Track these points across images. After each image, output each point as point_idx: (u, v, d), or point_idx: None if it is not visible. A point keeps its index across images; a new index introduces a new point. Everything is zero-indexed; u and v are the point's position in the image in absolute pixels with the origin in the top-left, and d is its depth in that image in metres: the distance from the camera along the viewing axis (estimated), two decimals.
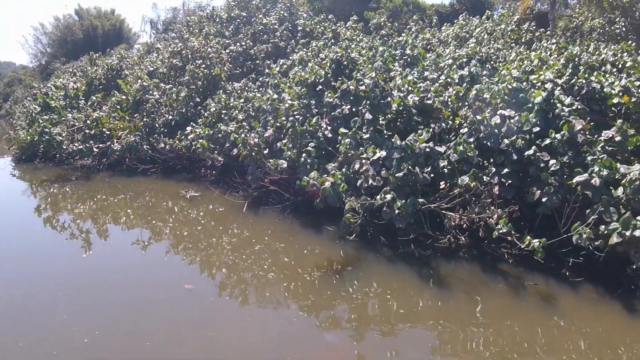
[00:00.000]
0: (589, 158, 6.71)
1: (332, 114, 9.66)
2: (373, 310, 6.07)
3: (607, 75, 8.96)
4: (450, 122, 8.90)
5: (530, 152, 7.02)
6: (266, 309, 6.13)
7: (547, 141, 7.15)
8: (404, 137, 8.24)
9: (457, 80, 9.75)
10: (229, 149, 10.88)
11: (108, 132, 14.43)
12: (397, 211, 7.16)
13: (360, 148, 8.44)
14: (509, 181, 7.18)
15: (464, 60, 12.00)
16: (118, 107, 15.46)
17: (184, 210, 10.53)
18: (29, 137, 16.42)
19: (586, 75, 8.74)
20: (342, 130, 8.91)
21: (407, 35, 14.97)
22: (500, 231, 6.72)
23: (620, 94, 8.19)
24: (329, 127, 9.52)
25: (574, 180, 6.49)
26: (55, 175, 14.57)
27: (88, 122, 14.74)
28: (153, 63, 17.28)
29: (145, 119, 13.90)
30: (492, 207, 7.27)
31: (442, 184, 7.89)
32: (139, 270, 7.64)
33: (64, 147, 14.49)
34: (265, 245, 8.30)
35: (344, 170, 8.22)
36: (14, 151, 18.94)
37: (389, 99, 9.11)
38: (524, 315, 5.88)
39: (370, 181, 7.77)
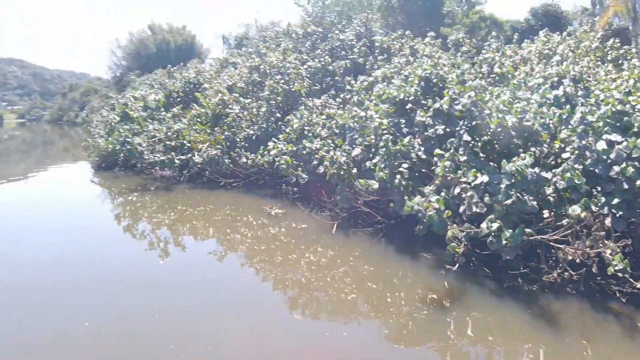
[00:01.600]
0: None
1: (425, 134, 9.26)
2: (481, 353, 5.63)
3: None
4: (549, 146, 8.35)
5: None
6: (352, 338, 5.83)
7: None
8: (500, 161, 7.69)
9: (551, 101, 9.21)
10: (314, 167, 10.70)
11: (188, 145, 14.63)
12: (504, 241, 6.64)
13: (458, 171, 8.01)
14: (620, 212, 6.59)
15: (555, 79, 11.39)
16: (197, 120, 15.69)
17: (266, 226, 10.43)
18: (110, 146, 16.92)
19: None
20: (438, 151, 8.50)
21: (492, 52, 14.42)
22: (616, 268, 6.09)
23: None
24: (422, 148, 9.13)
25: None
26: (135, 184, 14.93)
27: (169, 133, 14.99)
28: (231, 77, 17.48)
29: (226, 133, 13.97)
30: (606, 241, 6.59)
31: (547, 213, 7.30)
32: (214, 281, 7.68)
33: (145, 157, 14.78)
34: (353, 268, 8.03)
35: (442, 194, 7.80)
36: (94, 158, 19.61)
37: (487, 119, 8.63)
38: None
39: (474, 208, 7.30)
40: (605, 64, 13.82)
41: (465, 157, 8.20)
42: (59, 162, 27.63)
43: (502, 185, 7.07)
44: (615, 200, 6.64)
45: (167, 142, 14.88)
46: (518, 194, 6.97)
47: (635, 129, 7.14)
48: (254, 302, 6.85)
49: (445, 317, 6.17)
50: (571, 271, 6.88)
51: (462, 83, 10.14)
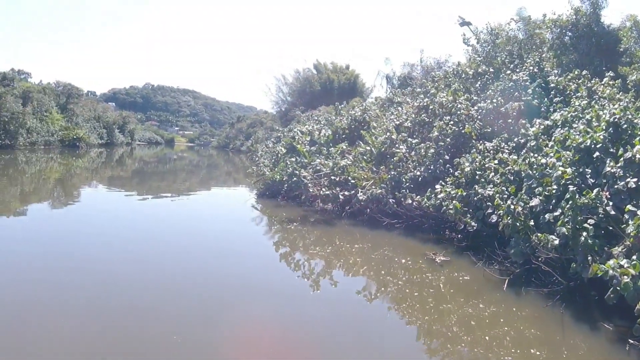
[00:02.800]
0: None
1: (615, 186, 8.26)
2: None
3: None
4: None
5: None
6: None
7: None
8: None
9: None
10: (486, 215, 10.05)
11: (352, 181, 14.74)
12: None
13: None
14: None
15: None
16: (363, 157, 15.81)
17: (425, 272, 10.01)
18: (277, 176, 17.73)
19: None
20: (630, 207, 7.52)
21: None
22: None
23: None
24: (611, 202, 8.14)
25: None
26: (296, 215, 15.38)
27: (335, 169, 15.26)
28: (399, 117, 17.45)
29: (392, 172, 13.84)
30: None
31: None
32: (361, 321, 7.57)
33: (310, 190, 15.16)
34: (517, 330, 7.29)
35: (634, 258, 6.78)
36: (259, 186, 20.75)
37: None
38: None
39: None
40: None
41: None
42: (220, 184, 29.94)
43: None
44: None
45: (332, 177, 15.15)
46: None
47: None
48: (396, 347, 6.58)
49: None
50: None
51: None
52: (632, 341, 6.42)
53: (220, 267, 9.98)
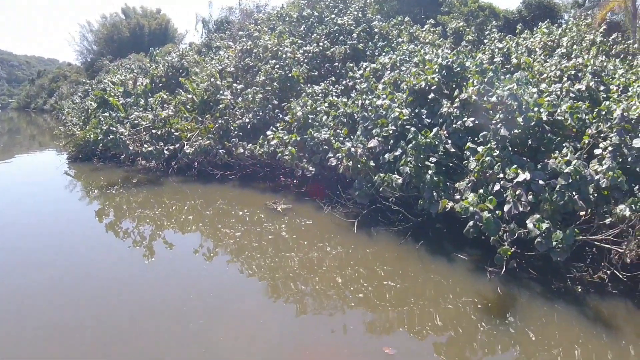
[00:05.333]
0: None
1: (453, 126, 8.49)
2: None
3: None
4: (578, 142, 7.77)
5: None
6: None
7: None
8: (531, 157, 7.36)
9: (573, 95, 8.74)
10: (324, 159, 9.75)
11: (176, 134, 13.46)
12: (554, 243, 6.04)
13: (495, 167, 7.24)
14: None
15: (572, 72, 10.75)
16: (185, 107, 14.50)
17: (265, 222, 9.50)
18: (90, 136, 15.60)
19: None
20: (470, 145, 7.76)
21: (507, 42, 13.69)
22: None
23: None
24: (449, 141, 8.36)
25: None
26: (117, 177, 13.75)
27: (156, 121, 13.78)
28: (221, 61, 16.31)
29: (219, 121, 12.87)
30: None
31: (582, 213, 6.82)
32: (202, 281, 7.00)
33: (130, 147, 13.49)
34: (373, 270, 7.15)
35: (481, 191, 6.99)
36: (69, 149, 18.24)
37: (526, 113, 7.86)
38: None
39: (520, 207, 6.54)
40: (612, 59, 13.28)
41: (497, 152, 7.49)
42: (25, 151, 25.81)
43: (558, 185, 6.42)
44: None
45: (154, 131, 13.65)
46: (570, 194, 6.33)
47: None
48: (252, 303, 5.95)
49: (504, 326, 5.45)
50: (620, 271, 6.36)
51: (481, 73, 9.32)
52: (490, 268, 6.70)
53: (36, 258, 7.93)
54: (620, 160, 6.74)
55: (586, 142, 7.48)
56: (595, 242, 6.47)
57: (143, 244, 8.46)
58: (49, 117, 53.42)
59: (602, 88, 9.00)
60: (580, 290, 6.30)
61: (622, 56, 14.02)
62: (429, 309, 6.01)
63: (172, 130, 13.67)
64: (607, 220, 6.42)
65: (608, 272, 6.40)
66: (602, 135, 7.43)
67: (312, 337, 5.36)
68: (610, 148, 6.81)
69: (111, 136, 13.41)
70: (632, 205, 6.12)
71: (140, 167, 14.31)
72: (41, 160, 21.21)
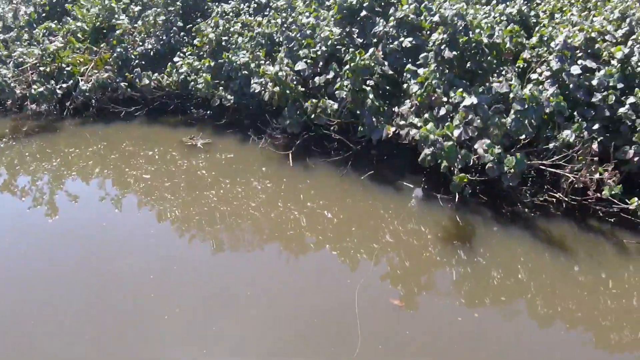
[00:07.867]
0: None
1: (390, 46, 7.84)
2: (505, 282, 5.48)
3: None
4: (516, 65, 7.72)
5: (624, 109, 6.33)
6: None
7: (632, 99, 6.38)
8: (471, 80, 7.26)
9: (505, 18, 8.39)
10: (244, 85, 8.71)
11: (68, 69, 11.64)
12: (506, 168, 6.04)
13: (437, 91, 6.85)
14: (600, 138, 6.46)
15: None
16: (73, 37, 12.54)
17: (180, 159, 8.71)
18: None
19: None
20: (411, 67, 7.26)
21: None
22: (613, 192, 5.94)
23: None
24: (386, 62, 7.77)
25: None
26: (3, 127, 11.72)
27: (44, 57, 11.82)
28: None
29: (117, 50, 11.21)
30: (595, 166, 6.34)
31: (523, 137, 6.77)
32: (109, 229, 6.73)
33: (17, 91, 11.53)
34: (342, 206, 7.01)
35: (426, 116, 6.57)
36: None
37: (470, 34, 7.30)
38: None
39: (470, 132, 6.32)
40: None
41: (438, 75, 7.12)
42: None
43: (512, 110, 6.35)
44: (596, 126, 6.51)
45: (42, 69, 11.70)
46: (520, 119, 6.34)
47: (605, 58, 7.05)
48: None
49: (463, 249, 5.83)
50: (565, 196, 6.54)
51: None
52: (439, 195, 6.74)
53: None
54: (557, 86, 6.80)
55: (520, 66, 7.55)
56: (544, 167, 6.54)
57: (43, 201, 7.61)
58: None
59: (532, 13, 8.90)
60: (528, 213, 6.49)
61: None
62: (392, 242, 6.01)
63: (63, 65, 11.80)
64: (551, 145, 6.55)
65: (556, 195, 6.53)
66: (539, 60, 7.47)
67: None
68: (548, 73, 6.91)
69: None
70: (577, 131, 6.32)
71: (30, 112, 12.21)
72: None
